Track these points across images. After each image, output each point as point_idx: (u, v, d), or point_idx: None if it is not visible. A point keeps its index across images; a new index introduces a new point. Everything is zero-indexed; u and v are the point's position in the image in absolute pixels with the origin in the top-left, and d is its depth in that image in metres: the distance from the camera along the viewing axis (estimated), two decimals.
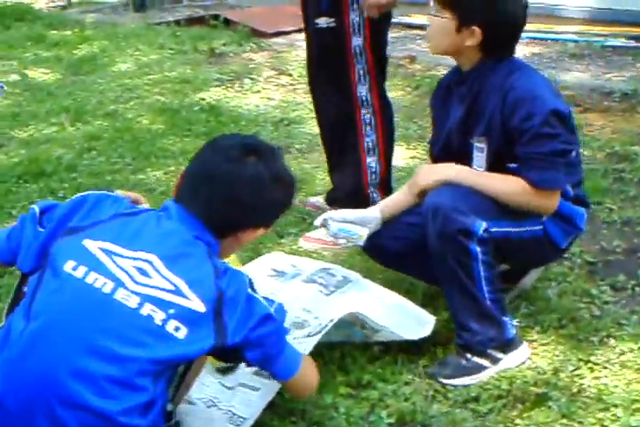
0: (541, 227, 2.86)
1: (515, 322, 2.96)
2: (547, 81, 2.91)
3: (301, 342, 2.77)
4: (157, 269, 2.10)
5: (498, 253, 2.81)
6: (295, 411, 2.66)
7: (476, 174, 2.86)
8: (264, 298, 2.28)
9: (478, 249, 2.74)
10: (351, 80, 3.64)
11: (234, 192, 2.22)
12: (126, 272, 2.08)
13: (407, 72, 6.01)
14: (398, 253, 3.09)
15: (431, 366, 2.89)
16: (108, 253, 2.11)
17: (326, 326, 2.83)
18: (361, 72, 3.63)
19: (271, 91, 5.89)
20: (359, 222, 3.08)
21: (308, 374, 2.43)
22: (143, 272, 2.09)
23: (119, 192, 2.50)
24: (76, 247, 2.12)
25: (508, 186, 2.80)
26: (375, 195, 3.80)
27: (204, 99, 5.67)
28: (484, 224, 2.73)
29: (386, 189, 3.82)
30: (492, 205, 2.80)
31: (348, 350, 2.96)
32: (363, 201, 3.68)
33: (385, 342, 2.95)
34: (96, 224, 2.18)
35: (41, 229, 2.23)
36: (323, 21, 3.56)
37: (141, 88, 5.98)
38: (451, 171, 2.87)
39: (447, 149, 3.01)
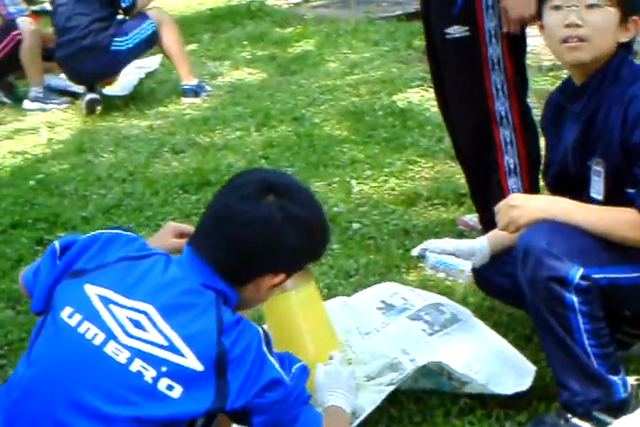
0: None
1: (633, 380, 2.53)
2: None
3: (382, 391, 2.54)
4: (154, 321, 1.93)
5: (608, 301, 2.41)
6: None
7: (577, 208, 2.45)
8: (287, 357, 2.06)
9: (575, 299, 2.35)
10: (487, 94, 3.27)
11: (244, 234, 2.00)
12: (120, 324, 1.93)
13: None
14: (510, 291, 2.72)
15: (527, 423, 2.53)
16: (106, 300, 1.96)
17: (407, 374, 2.57)
18: (498, 85, 3.25)
19: None
20: (461, 254, 2.76)
21: None
22: (138, 324, 1.93)
23: (171, 224, 2.42)
24: (76, 292, 2.00)
25: (615, 219, 2.39)
26: None
27: (395, 101, 5.42)
28: (581, 271, 2.33)
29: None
30: (596, 247, 2.39)
31: (438, 400, 2.65)
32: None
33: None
34: (100, 268, 2.03)
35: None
36: (454, 30, 3.21)
37: (340, 89, 5.82)
38: (549, 205, 2.49)
39: (563, 175, 2.62)
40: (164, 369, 1.89)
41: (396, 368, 2.71)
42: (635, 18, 2.45)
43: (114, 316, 1.94)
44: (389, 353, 2.79)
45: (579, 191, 2.53)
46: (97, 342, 1.93)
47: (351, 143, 4.83)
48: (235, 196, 2.04)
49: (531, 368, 2.61)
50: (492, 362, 2.67)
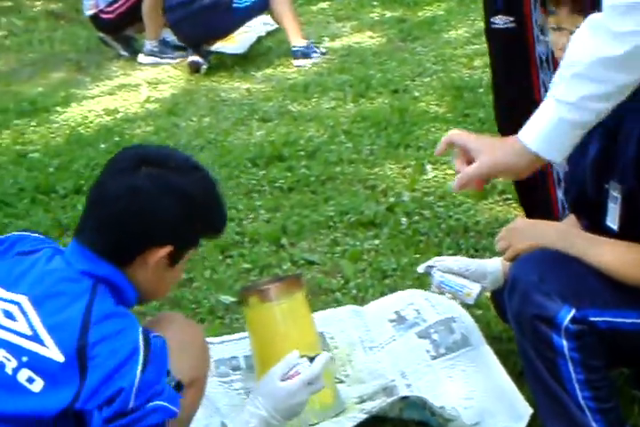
0: None
1: None
2: None
3: (354, 418, 2.31)
4: (25, 311, 1.82)
5: (609, 349, 2.07)
6: None
7: (582, 239, 2.11)
8: (168, 390, 1.82)
9: (565, 344, 2.02)
10: (534, 96, 2.87)
11: (115, 209, 1.90)
12: None
13: None
14: None
15: None
16: None
17: (386, 404, 2.34)
18: (547, 84, 2.85)
19: None
20: (470, 276, 2.47)
21: None
22: (9, 315, 1.82)
23: None
24: None
25: (617, 253, 2.04)
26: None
27: None
28: (573, 312, 2.00)
29: None
30: (599, 285, 2.05)
31: None
32: None
33: None
34: None
35: None
36: (500, 20, 2.82)
37: (455, 60, 5.46)
38: (551, 232, 2.16)
39: (581, 198, 2.27)
40: (24, 359, 1.77)
41: (390, 393, 2.49)
42: None
43: None
44: (388, 374, 2.58)
45: (597, 218, 2.17)
46: None
47: (443, 122, 4.49)
48: (108, 173, 1.96)
49: (526, 410, 2.29)
50: (488, 399, 2.42)
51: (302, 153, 4.27)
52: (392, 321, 2.77)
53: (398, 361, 2.62)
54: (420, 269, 2.57)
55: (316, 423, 2.39)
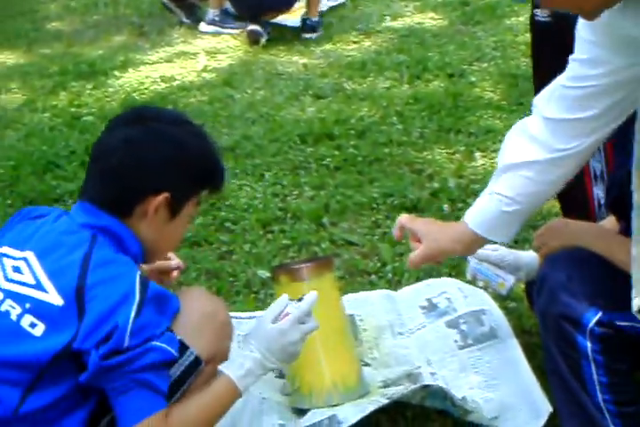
0: None
1: None
2: None
3: (376, 402, 2.33)
4: (30, 264, 1.91)
5: (635, 354, 2.07)
6: None
7: (616, 242, 2.10)
8: (169, 336, 1.87)
9: (589, 345, 2.02)
10: None
11: (111, 161, 1.97)
12: (4, 272, 1.92)
13: None
14: None
15: None
16: (2, 256, 1.96)
17: (407, 391, 2.36)
18: None
19: None
20: (505, 267, 2.48)
21: None
22: (17, 270, 1.91)
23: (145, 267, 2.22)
24: None
25: None
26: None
27: None
28: (600, 315, 1.99)
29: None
30: (628, 289, 2.03)
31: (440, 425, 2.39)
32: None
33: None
34: (7, 231, 2.06)
35: None
36: (540, 13, 2.79)
37: (515, 47, 5.41)
38: (586, 232, 2.15)
39: (623, 199, 2.24)
40: (27, 306, 1.85)
41: (415, 380, 2.50)
42: None
43: (2, 266, 1.93)
44: (414, 360, 2.60)
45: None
46: None
47: (496, 110, 4.46)
48: (106, 130, 2.04)
49: (546, 408, 2.29)
50: (509, 393, 2.42)
51: (352, 132, 4.27)
52: (423, 308, 2.78)
53: (425, 348, 2.63)
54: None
55: (339, 405, 2.41)
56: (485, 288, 2.58)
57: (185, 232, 2.14)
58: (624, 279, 2.03)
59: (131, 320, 1.79)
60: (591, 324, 2.00)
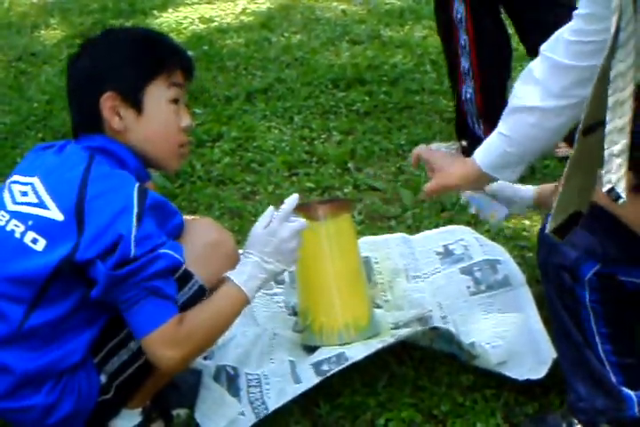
0: None
1: None
2: None
3: (383, 342, 2.37)
4: (35, 187, 1.96)
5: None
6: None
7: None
8: (173, 244, 1.91)
9: (587, 295, 2.02)
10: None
11: (72, 79, 2.05)
12: (12, 195, 1.99)
13: None
14: None
15: (531, 418, 2.26)
16: (12, 182, 2.02)
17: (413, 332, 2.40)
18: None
19: None
20: (500, 200, 2.51)
21: (179, 341, 1.87)
22: (24, 193, 1.97)
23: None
24: (1, 188, 2.06)
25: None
26: (476, 126, 3.44)
27: None
28: (598, 267, 2.00)
29: (490, 120, 3.24)
30: (631, 243, 2.04)
31: (447, 368, 2.42)
32: (465, 133, 3.47)
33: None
34: (20, 164, 2.11)
35: None
36: None
37: None
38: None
39: None
40: (30, 223, 1.90)
41: (425, 323, 2.53)
42: None
43: (10, 191, 1.99)
44: (426, 304, 2.61)
45: None
46: None
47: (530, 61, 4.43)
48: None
49: (550, 355, 2.31)
50: (517, 340, 2.42)
51: (385, 79, 4.27)
52: (439, 254, 2.80)
53: (438, 293, 2.65)
54: None
55: (349, 343, 2.44)
56: (478, 216, 2.58)
57: (177, 119, 2.05)
58: (629, 234, 2.04)
59: (133, 230, 1.82)
60: (589, 274, 2.00)
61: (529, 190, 2.51)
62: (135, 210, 1.84)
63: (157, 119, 2.01)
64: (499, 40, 3.48)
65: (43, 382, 1.91)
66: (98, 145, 1.97)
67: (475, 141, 3.16)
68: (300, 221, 2.09)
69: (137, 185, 1.88)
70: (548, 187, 2.50)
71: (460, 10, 3.36)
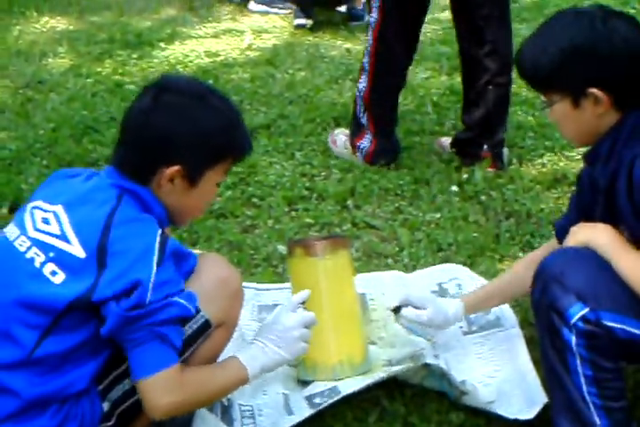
0: None
1: None
2: None
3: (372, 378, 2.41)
4: (58, 216, 2.02)
5: (626, 355, 2.14)
6: None
7: (620, 246, 2.15)
8: (188, 294, 1.99)
9: (573, 339, 2.08)
10: None
11: (131, 129, 2.08)
12: (33, 222, 2.04)
13: None
14: None
15: None
16: (34, 208, 2.07)
17: (404, 369, 2.45)
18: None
19: None
20: (433, 326, 2.63)
21: (172, 389, 1.94)
22: (45, 221, 2.03)
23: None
24: (21, 210, 2.12)
25: (637, 263, 2.09)
26: (364, 119, 3.85)
27: None
28: (586, 311, 2.05)
29: (372, 113, 3.82)
30: (624, 293, 2.08)
31: (437, 405, 2.47)
32: (355, 123, 3.88)
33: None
34: (43, 188, 2.17)
35: None
36: None
37: None
38: (602, 236, 2.18)
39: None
40: (51, 255, 1.96)
41: (417, 360, 2.56)
42: (589, 91, 2.13)
43: (32, 217, 2.04)
44: (419, 343, 2.65)
45: None
46: (11, 237, 2.05)
47: (530, 107, 4.53)
48: (136, 99, 2.11)
49: (541, 398, 2.36)
50: (508, 381, 2.49)
51: None
52: (434, 292, 2.85)
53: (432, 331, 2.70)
54: (392, 304, 2.63)
55: (342, 379, 2.48)
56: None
57: (212, 198, 2.22)
58: (620, 283, 2.09)
59: (152, 276, 1.89)
60: (575, 318, 2.05)
61: (458, 310, 2.58)
62: (156, 256, 1.91)
63: (202, 197, 2.13)
64: (399, 51, 3.76)
65: (47, 406, 1.96)
66: (128, 187, 2.02)
67: (359, 129, 3.84)
68: (308, 314, 2.18)
69: (159, 231, 1.95)
70: (475, 296, 2.63)
71: (374, 15, 3.67)
